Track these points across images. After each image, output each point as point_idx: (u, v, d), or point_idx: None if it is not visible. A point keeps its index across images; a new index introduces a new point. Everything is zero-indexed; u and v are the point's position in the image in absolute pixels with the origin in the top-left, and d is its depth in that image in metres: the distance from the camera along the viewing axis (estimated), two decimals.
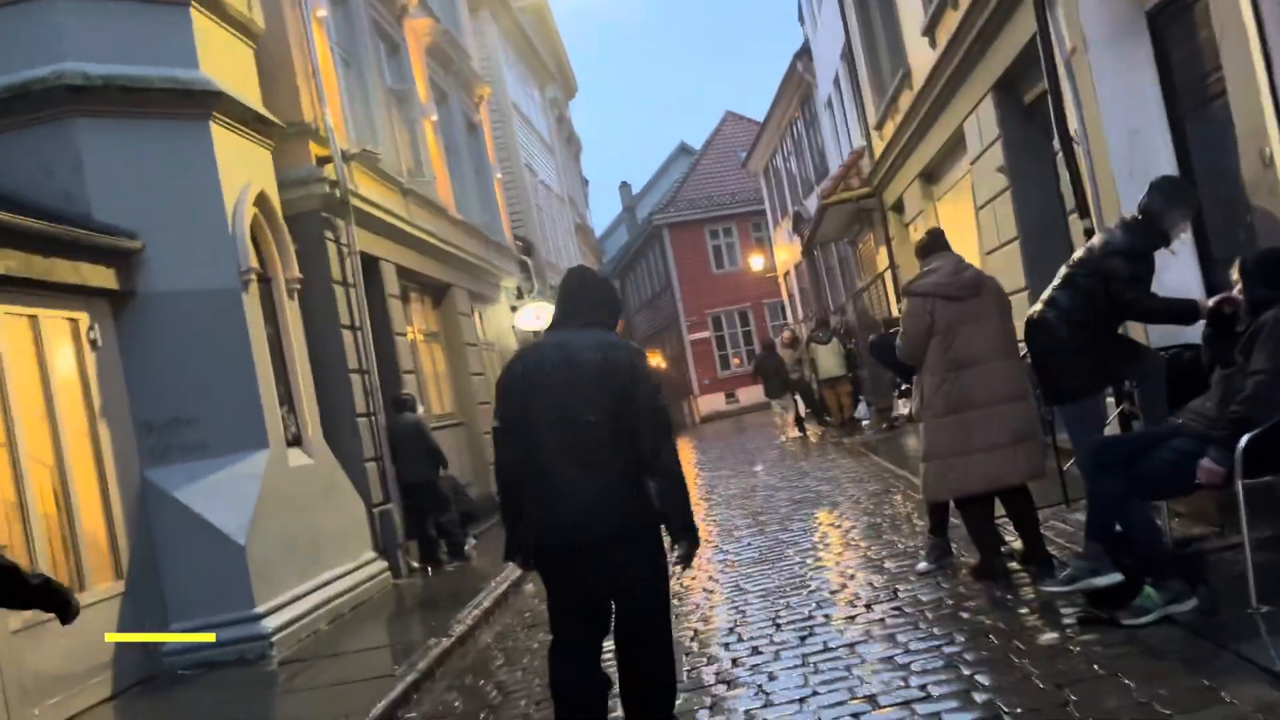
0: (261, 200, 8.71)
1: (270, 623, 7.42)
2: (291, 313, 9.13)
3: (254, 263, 8.37)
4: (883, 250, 17.03)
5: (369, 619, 8.36)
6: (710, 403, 36.84)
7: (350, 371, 10.07)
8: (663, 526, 3.70)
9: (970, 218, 11.79)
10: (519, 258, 19.56)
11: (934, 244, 5.65)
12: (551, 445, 3.57)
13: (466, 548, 10.76)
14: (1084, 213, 6.96)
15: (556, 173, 27.64)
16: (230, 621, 7.35)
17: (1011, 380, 5.35)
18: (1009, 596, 5.17)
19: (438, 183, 14.53)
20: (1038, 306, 5.22)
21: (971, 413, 5.27)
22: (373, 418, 10.33)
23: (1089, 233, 6.86)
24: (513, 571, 9.14)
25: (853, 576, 6.36)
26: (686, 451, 20.53)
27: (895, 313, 16.51)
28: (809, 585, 6.39)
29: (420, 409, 11.29)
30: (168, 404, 7.76)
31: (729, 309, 38.27)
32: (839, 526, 8.26)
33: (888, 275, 16.48)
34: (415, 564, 10.32)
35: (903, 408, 14.90)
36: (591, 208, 39.34)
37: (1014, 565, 5.58)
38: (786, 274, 30.96)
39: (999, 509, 5.58)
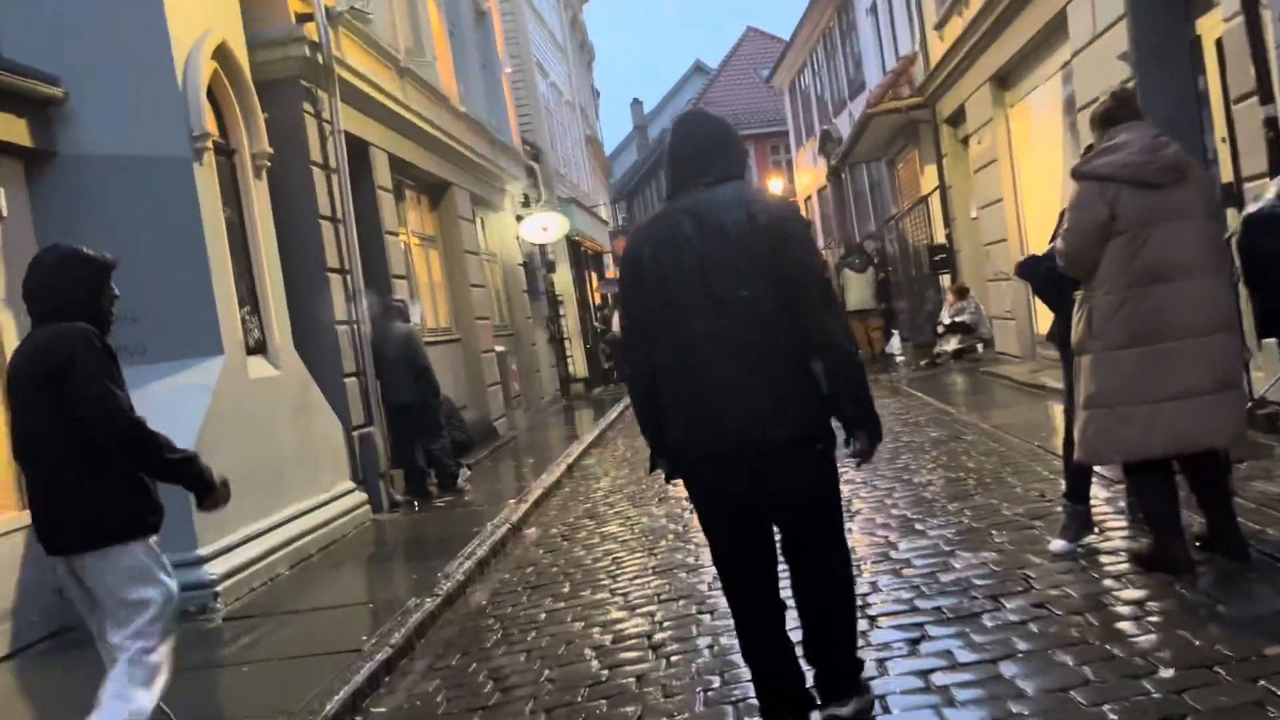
0: (223, 54, 7.13)
1: (215, 568, 6.06)
2: (258, 195, 7.61)
3: (211, 128, 6.83)
4: (930, 170, 15.44)
5: (340, 565, 6.99)
6: None
7: (329, 270, 8.58)
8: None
9: (1056, 126, 10.23)
10: (526, 163, 17.93)
11: (1122, 109, 4.10)
12: (698, 335, 2.95)
13: (460, 479, 9.40)
14: (1267, 97, 5.43)
15: (568, 78, 25.79)
16: None
17: (1219, 303, 3.87)
18: (1215, 602, 3.73)
19: (439, 67, 12.88)
20: (1269, 199, 3.74)
21: (1164, 345, 3.80)
22: (355, 326, 8.86)
23: (1271, 122, 5.35)
24: (513, 512, 7.79)
25: (952, 553, 4.96)
26: None
27: (940, 239, 15.02)
28: (898, 562, 5.00)
29: (415, 319, 9.83)
30: None
31: None
32: (912, 482, 6.86)
33: (935, 198, 14.91)
34: (400, 496, 8.95)
35: (946, 344, 13.48)
36: (601, 124, 37.40)
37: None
38: (808, 199, 29.27)
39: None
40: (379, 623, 5.26)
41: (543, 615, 5.23)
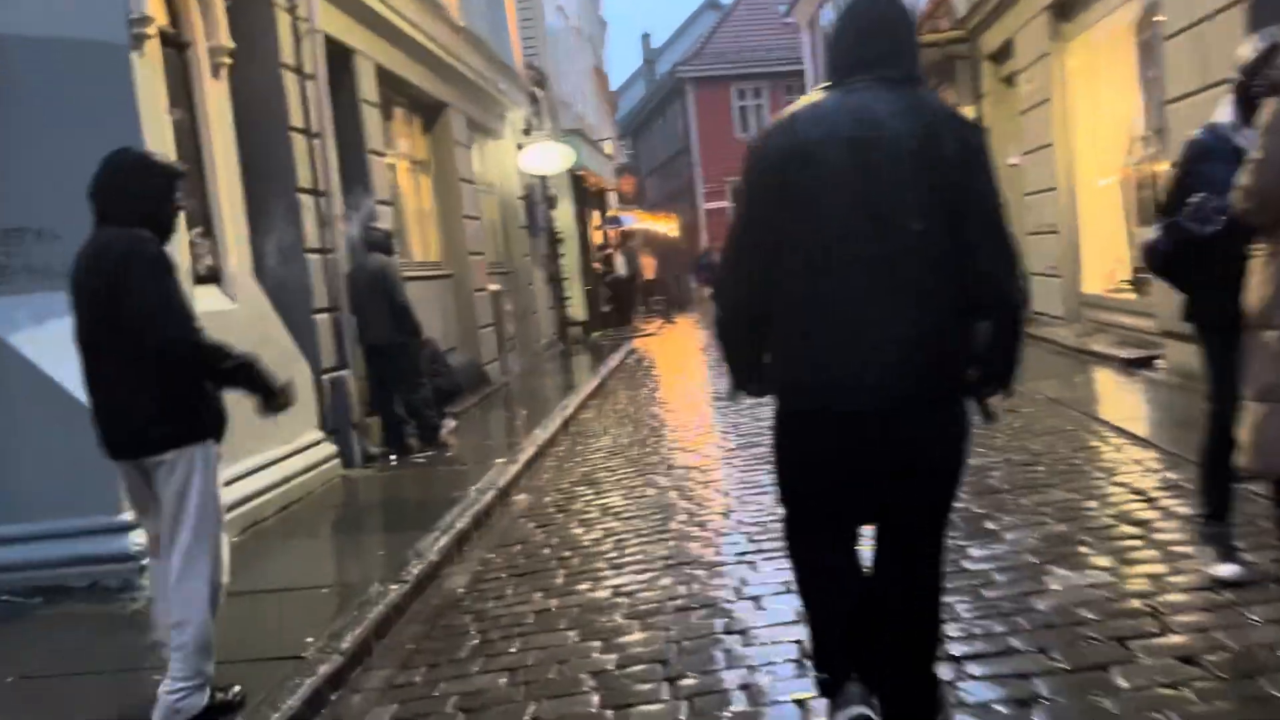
0: None
1: (140, 536, 5.08)
2: (215, 97, 6.53)
3: (155, 12, 5.74)
4: (966, 112, 14.26)
5: (297, 533, 6.03)
6: None
7: (300, 191, 7.52)
8: None
9: (1126, 62, 9.13)
10: (529, 89, 16.70)
11: None
12: (849, 265, 2.43)
13: (443, 432, 8.43)
14: None
15: (576, 3, 24.37)
16: (82, 531, 5.04)
17: None
18: None
19: None
20: None
21: None
22: (329, 256, 7.83)
23: None
24: (501, 474, 6.84)
25: (1043, 567, 4.00)
26: (694, 354, 18.03)
27: None
28: (976, 579, 4.03)
29: (397, 252, 8.79)
30: (8, 206, 5.28)
31: None
32: (971, 465, 5.89)
33: None
34: (375, 449, 7.99)
35: None
36: (608, 57, 35.89)
37: None
38: None
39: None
40: (331, 617, 4.31)
41: (530, 616, 4.29)
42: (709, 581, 4.35)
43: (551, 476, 7.16)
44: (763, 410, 8.85)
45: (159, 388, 3.26)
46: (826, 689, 2.67)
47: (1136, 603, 3.46)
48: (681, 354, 15.52)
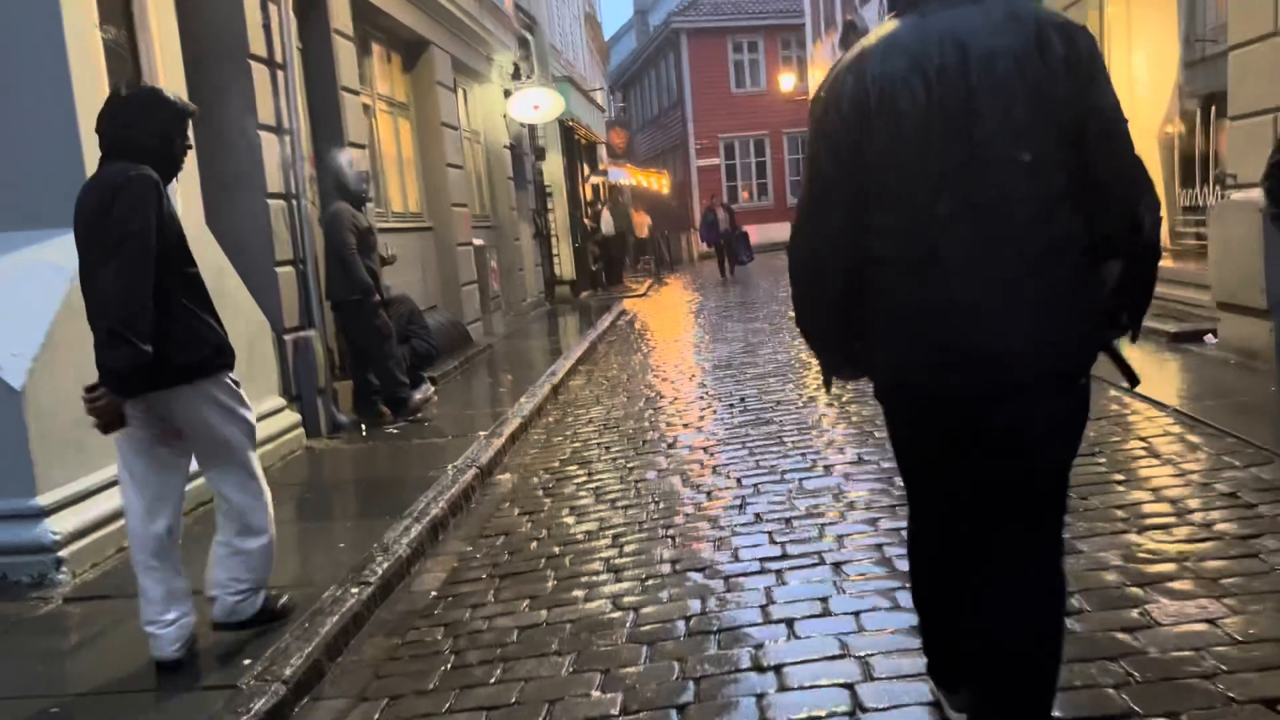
0: None
1: (60, 525, 4.37)
2: (158, 16, 5.71)
3: None
4: None
5: None
6: None
7: (261, 128, 6.70)
8: None
9: (1168, 12, 8.39)
10: (519, 32, 15.78)
11: None
12: (950, 214, 2.04)
13: (417, 396, 7.70)
14: None
15: None
16: None
17: None
18: None
19: None
20: None
21: None
22: (294, 202, 7.03)
23: None
24: (483, 450, 6.14)
25: (1151, 600, 3.32)
26: (684, 320, 17.26)
27: None
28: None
29: (370, 200, 7.99)
30: None
31: (744, 135, 34.30)
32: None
33: None
34: (345, 418, 7.25)
35: None
36: (600, 5, 34.68)
37: None
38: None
39: None
40: (277, 632, 3.60)
41: (514, 635, 3.59)
42: (726, 596, 3.65)
43: (539, 453, 6.44)
44: (773, 383, 8.29)
45: (183, 320, 3.26)
46: (943, 683, 2.59)
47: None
48: (675, 317, 14.76)
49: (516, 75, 14.65)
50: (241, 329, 6.24)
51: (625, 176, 26.91)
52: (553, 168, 18.30)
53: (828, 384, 2.43)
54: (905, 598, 3.34)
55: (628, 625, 3.52)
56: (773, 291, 16.37)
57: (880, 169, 2.11)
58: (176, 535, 3.41)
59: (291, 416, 6.69)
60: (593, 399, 8.15)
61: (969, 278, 2.06)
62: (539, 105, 14.61)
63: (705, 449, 5.91)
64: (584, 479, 5.67)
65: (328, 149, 7.93)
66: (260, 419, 6.27)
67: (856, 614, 3.31)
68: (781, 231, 31.18)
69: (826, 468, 5.13)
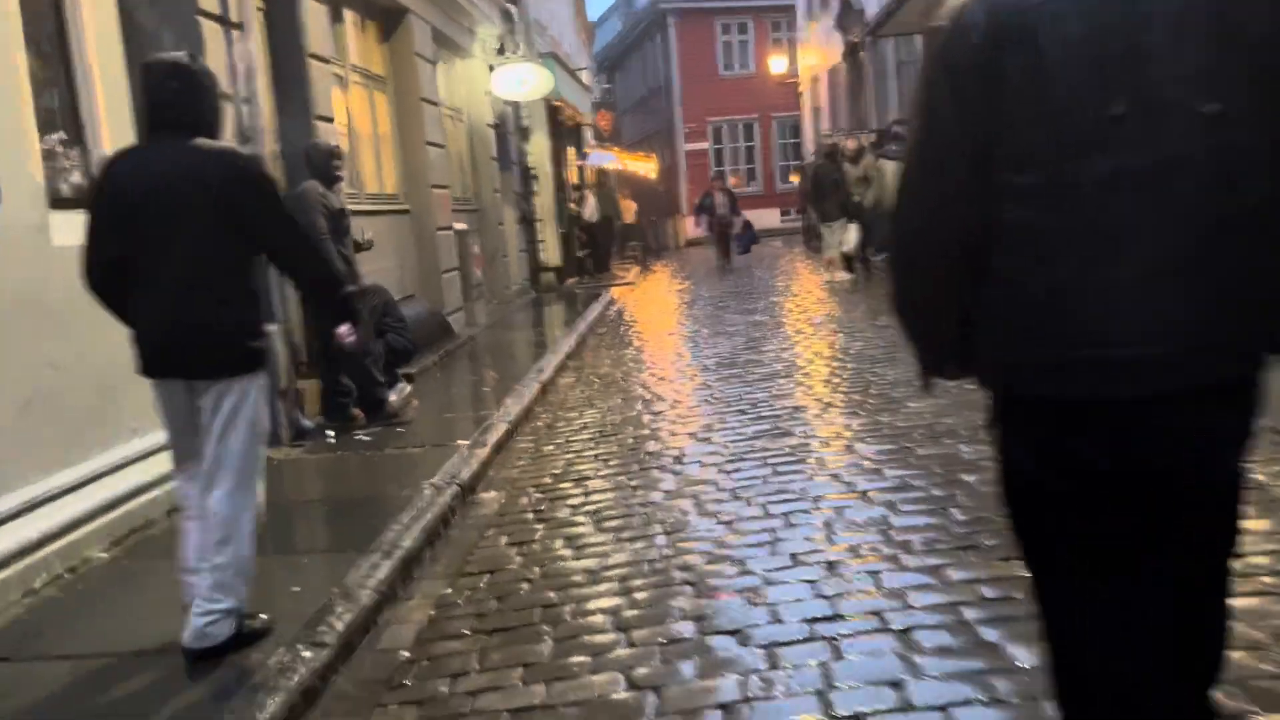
0: None
1: None
2: None
3: None
4: None
5: (144, 578, 4.49)
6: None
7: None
8: None
9: None
10: (503, 4, 14.94)
11: None
12: (1108, 177, 1.59)
13: (393, 398, 6.95)
14: None
15: None
16: None
17: None
18: None
19: None
20: None
21: None
22: None
23: None
24: (465, 463, 5.41)
25: None
26: (673, 311, 16.50)
27: None
28: None
29: (341, 178, 7.20)
30: None
31: (733, 119, 33.55)
32: None
33: None
34: (310, 423, 6.49)
35: None
36: None
37: None
38: (815, 80, 26.35)
39: None
40: (204, 709, 2.86)
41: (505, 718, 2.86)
42: (769, 675, 2.92)
43: (527, 466, 5.71)
44: (784, 385, 7.25)
45: (244, 308, 3.22)
46: None
47: None
48: (667, 307, 14.01)
49: (501, 50, 13.83)
50: (126, 341, 5.49)
51: (612, 160, 26.09)
52: (538, 149, 17.49)
53: (926, 384, 1.93)
54: (1004, 686, 2.63)
55: (647, 713, 2.79)
56: (768, 280, 15.67)
57: (1016, 119, 1.66)
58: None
59: None
60: (585, 401, 7.41)
61: (1120, 259, 1.60)
62: (525, 81, 13.80)
63: (718, 466, 5.18)
64: (579, 499, 4.94)
65: (293, 122, 7.16)
66: (150, 454, 5.55)
67: (944, 709, 2.60)
68: (771, 218, 30.45)
69: (864, 494, 4.42)
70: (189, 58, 3.31)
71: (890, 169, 13.36)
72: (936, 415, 5.62)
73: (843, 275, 13.45)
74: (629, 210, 24.71)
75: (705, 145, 33.69)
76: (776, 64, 28.38)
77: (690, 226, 31.97)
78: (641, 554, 4.04)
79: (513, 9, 15.52)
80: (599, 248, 20.60)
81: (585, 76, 25.32)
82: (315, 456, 6.05)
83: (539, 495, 5.10)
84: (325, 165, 6.68)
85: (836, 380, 6.97)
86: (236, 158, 3.23)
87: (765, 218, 29.12)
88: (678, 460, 5.42)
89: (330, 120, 7.96)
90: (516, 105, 15.75)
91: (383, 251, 8.93)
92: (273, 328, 6.21)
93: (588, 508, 4.79)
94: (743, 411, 6.38)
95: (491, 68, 14.07)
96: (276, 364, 6.18)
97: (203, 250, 3.10)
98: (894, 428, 5.48)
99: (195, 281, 3.11)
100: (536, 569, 4.05)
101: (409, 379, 7.76)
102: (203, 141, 3.17)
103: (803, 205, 26.02)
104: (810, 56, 26.20)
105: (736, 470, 5.06)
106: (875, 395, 6.33)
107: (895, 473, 4.65)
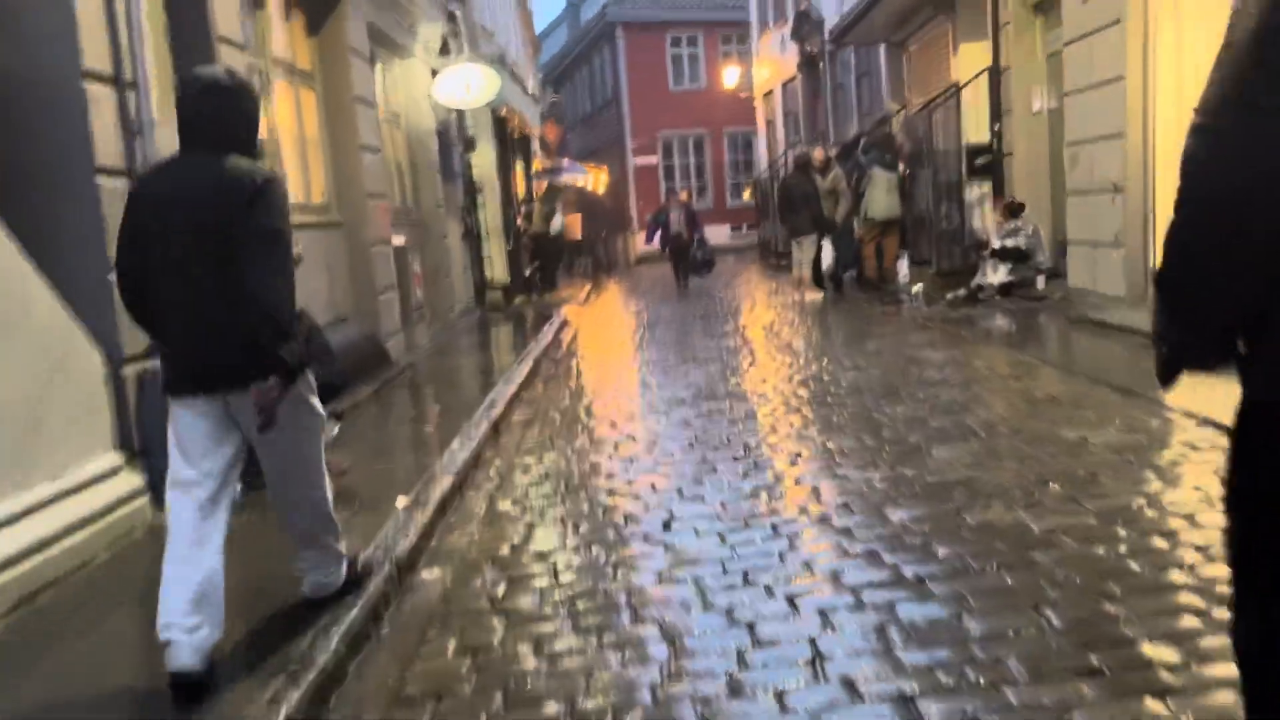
0: None
1: None
2: None
3: None
4: (970, 49, 12.07)
5: (41, 655, 3.42)
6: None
7: (89, 78, 4.80)
8: None
9: None
10: (447, 6, 13.89)
11: None
12: None
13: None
14: None
15: None
16: None
17: None
18: None
19: None
20: None
21: None
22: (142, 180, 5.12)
23: None
24: (402, 530, 4.37)
25: None
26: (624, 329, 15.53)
27: (978, 139, 11.70)
28: None
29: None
30: None
31: (683, 133, 32.75)
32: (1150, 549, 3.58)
33: (977, 86, 11.51)
34: None
35: (991, 275, 10.28)
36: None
37: None
38: (769, 94, 25.63)
39: None
40: None
41: None
42: None
43: (480, 532, 4.66)
44: (780, 425, 5.98)
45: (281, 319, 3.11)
46: None
47: None
48: (627, 330, 12.99)
49: (445, 50, 12.77)
50: (52, 359, 4.37)
51: (584, 173, 25.02)
52: (484, 160, 16.44)
53: (1168, 375, 1.61)
54: None
55: None
56: (731, 300, 14.76)
57: None
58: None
59: (131, 480, 4.81)
60: (544, 442, 6.38)
61: None
62: (471, 85, 12.76)
63: (717, 535, 4.18)
64: (546, 581, 3.92)
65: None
66: (81, 488, 4.45)
67: None
68: (721, 234, 29.59)
69: (919, 582, 3.44)
70: (227, 74, 3.29)
71: (880, 179, 12.56)
72: (971, 466, 4.70)
73: (814, 293, 12.59)
74: (573, 224, 23.70)
75: (655, 160, 32.86)
76: (729, 75, 27.62)
77: (641, 243, 31.10)
78: (639, 677, 3.02)
79: (457, 10, 14.48)
80: (548, 264, 19.55)
81: (532, 87, 24.34)
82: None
83: (494, 574, 4.07)
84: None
85: (838, 420, 6.02)
86: (256, 176, 3.06)
87: (716, 234, 28.26)
88: (665, 526, 4.41)
89: None
90: (460, 113, 14.71)
91: (310, 269, 7.84)
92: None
93: (557, 594, 3.77)
94: (735, 459, 5.39)
95: (434, 71, 13.02)
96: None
97: (223, 264, 3.02)
98: (925, 484, 4.53)
99: (219, 294, 3.04)
100: (497, 694, 3.01)
101: (337, 417, 6.67)
102: (231, 160, 3.08)
103: (757, 220, 25.29)
104: (764, 68, 25.50)
105: (742, 542, 4.07)
106: (889, 440, 5.39)
107: (947, 550, 3.69)
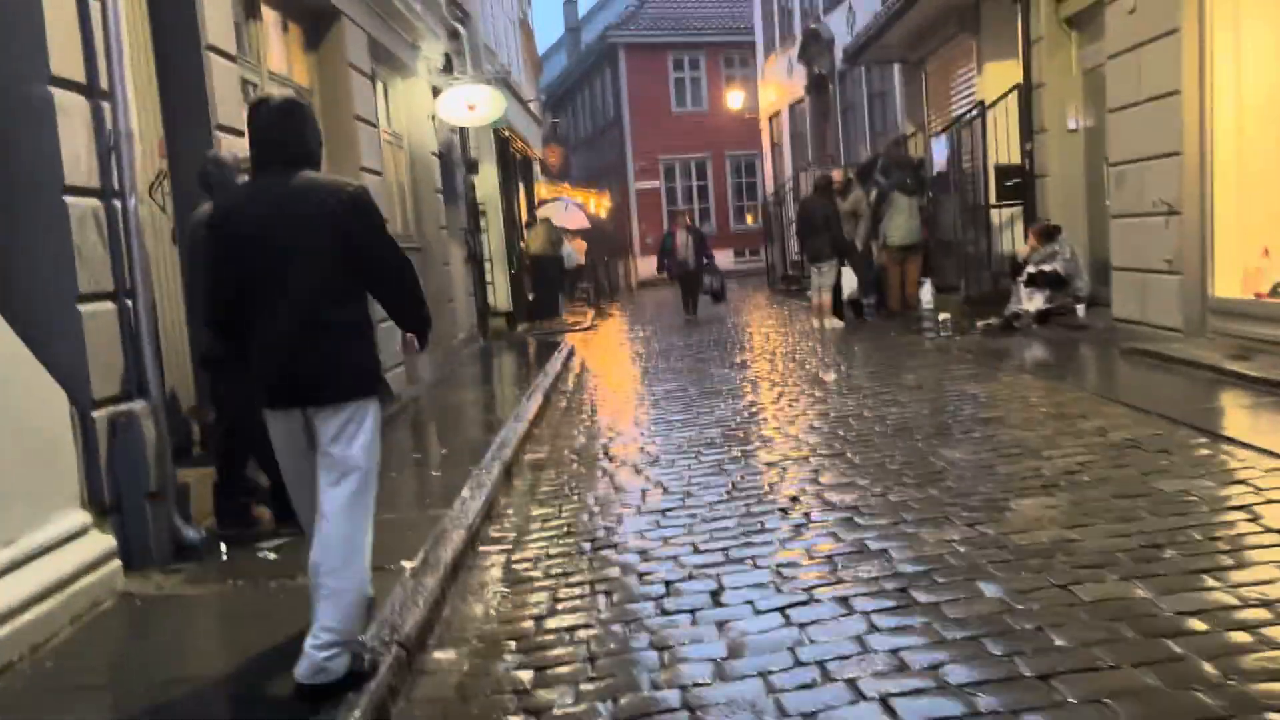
0: None
1: None
2: None
3: None
4: (997, 68, 11.58)
5: None
6: (651, 265, 30.85)
7: (57, 85, 4.24)
8: None
9: None
10: (450, 22, 13.40)
11: None
12: None
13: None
14: None
15: None
16: None
17: None
18: None
19: None
20: None
21: None
22: (115, 203, 4.56)
23: None
24: (405, 603, 3.79)
25: None
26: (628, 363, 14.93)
27: (1007, 160, 11.19)
28: None
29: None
30: None
31: (685, 157, 32.32)
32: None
33: (1005, 105, 11.00)
34: (195, 533, 4.76)
35: (1027, 302, 9.72)
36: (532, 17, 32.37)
37: None
38: (774, 116, 25.18)
39: None
40: None
41: None
42: None
43: (496, 601, 4.07)
44: (831, 476, 5.12)
45: (365, 335, 3.29)
46: None
47: None
48: (637, 360, 12.37)
49: (448, 68, 12.27)
50: (7, 403, 3.78)
51: (579, 210, 24.40)
52: (487, 182, 15.94)
53: None
54: None
55: None
56: (744, 328, 14.18)
57: None
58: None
59: (101, 541, 4.23)
60: (562, 489, 5.79)
61: None
62: (475, 105, 12.26)
63: (780, 613, 3.58)
64: (577, 665, 3.34)
65: (187, 131, 5.53)
66: (43, 552, 3.87)
67: None
68: (723, 259, 29.22)
69: (1043, 679, 2.84)
70: (295, 96, 3.45)
71: (901, 203, 12.04)
72: (1062, 525, 4.11)
73: (834, 322, 12.02)
74: (578, 250, 23.16)
75: (657, 184, 32.41)
76: (734, 98, 27.19)
77: (642, 267, 30.57)
78: None
79: (461, 29, 14.00)
80: (548, 288, 18.90)
81: (534, 109, 23.89)
82: (198, 589, 4.32)
83: (517, 657, 3.48)
84: (231, 185, 5.01)
85: (892, 465, 5.43)
86: (347, 186, 3.25)
87: (719, 259, 27.79)
88: (714, 598, 3.81)
89: (242, 134, 6.33)
90: (464, 133, 14.22)
91: None
92: (138, 405, 4.54)
93: (592, 686, 3.17)
94: (781, 512, 4.80)
95: (436, 91, 12.52)
96: (146, 454, 4.49)
97: (321, 278, 3.15)
98: (1015, 548, 3.93)
99: (315, 309, 3.14)
100: None
101: None
102: (312, 173, 3.24)
103: (763, 245, 24.78)
104: (770, 91, 25.06)
105: (810, 621, 3.47)
106: (957, 491, 4.81)
107: (1066, 639, 3.09)
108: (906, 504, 4.68)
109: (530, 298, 17.78)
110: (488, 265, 15.70)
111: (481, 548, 4.77)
